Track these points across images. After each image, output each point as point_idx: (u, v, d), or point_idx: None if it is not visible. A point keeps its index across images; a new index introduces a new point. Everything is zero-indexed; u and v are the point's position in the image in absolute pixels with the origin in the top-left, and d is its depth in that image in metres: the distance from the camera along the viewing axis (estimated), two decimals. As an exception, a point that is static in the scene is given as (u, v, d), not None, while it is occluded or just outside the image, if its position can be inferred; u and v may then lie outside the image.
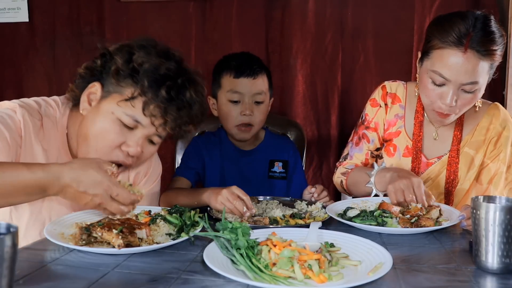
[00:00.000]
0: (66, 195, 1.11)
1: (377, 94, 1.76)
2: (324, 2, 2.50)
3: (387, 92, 1.74)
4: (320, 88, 2.55)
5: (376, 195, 1.57)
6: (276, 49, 2.54)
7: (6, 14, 2.60)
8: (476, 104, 1.59)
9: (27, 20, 2.60)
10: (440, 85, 1.49)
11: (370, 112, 1.77)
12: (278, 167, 1.87)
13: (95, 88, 1.28)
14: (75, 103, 1.34)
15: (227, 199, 1.36)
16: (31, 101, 1.32)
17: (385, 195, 1.52)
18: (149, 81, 1.22)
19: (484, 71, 1.46)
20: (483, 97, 1.67)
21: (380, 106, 1.75)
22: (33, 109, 1.29)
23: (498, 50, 1.46)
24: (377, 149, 1.79)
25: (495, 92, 2.33)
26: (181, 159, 1.88)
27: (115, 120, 1.24)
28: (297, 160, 1.93)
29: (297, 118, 2.52)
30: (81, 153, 1.30)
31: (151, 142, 1.33)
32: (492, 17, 1.48)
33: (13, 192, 1.08)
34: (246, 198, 1.37)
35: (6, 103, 1.28)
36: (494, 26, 1.46)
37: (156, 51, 1.27)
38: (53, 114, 1.34)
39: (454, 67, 1.44)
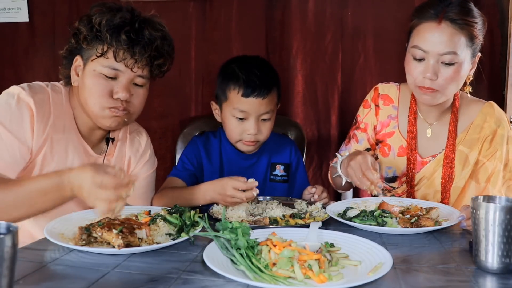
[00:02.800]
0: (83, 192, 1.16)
1: (369, 96, 1.81)
2: (324, 2, 2.50)
3: (379, 93, 1.78)
4: (320, 88, 2.54)
5: (347, 181, 1.59)
6: (276, 49, 2.54)
7: (6, 14, 2.59)
8: (466, 90, 1.66)
9: (27, 20, 2.59)
10: (420, 60, 1.54)
11: (362, 113, 1.81)
12: (279, 170, 1.83)
13: (78, 61, 1.47)
14: (69, 82, 1.50)
15: (234, 198, 1.43)
16: (35, 83, 1.47)
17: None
18: (110, 33, 1.40)
19: (462, 44, 1.50)
20: (481, 96, 1.68)
21: (371, 108, 1.78)
22: (40, 87, 1.46)
23: (476, 24, 1.51)
24: (368, 149, 1.79)
25: (495, 92, 2.33)
26: (179, 159, 1.80)
27: (99, 75, 1.43)
28: (299, 160, 1.88)
29: (297, 118, 2.52)
30: (88, 113, 1.46)
31: (137, 85, 1.48)
32: (470, 2, 1.56)
33: (36, 199, 1.20)
34: (242, 182, 1.43)
35: (10, 89, 1.41)
36: (471, 5, 1.54)
37: (108, 8, 1.45)
38: (60, 91, 1.50)
39: (430, 38, 1.51)
